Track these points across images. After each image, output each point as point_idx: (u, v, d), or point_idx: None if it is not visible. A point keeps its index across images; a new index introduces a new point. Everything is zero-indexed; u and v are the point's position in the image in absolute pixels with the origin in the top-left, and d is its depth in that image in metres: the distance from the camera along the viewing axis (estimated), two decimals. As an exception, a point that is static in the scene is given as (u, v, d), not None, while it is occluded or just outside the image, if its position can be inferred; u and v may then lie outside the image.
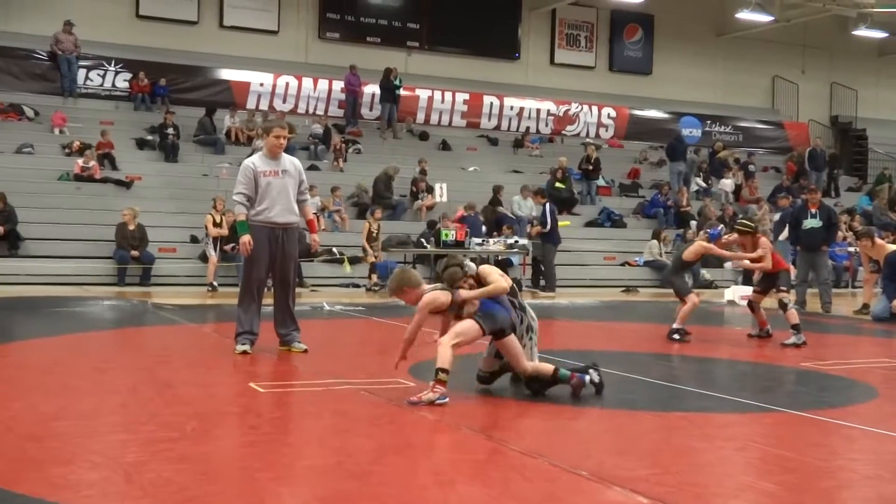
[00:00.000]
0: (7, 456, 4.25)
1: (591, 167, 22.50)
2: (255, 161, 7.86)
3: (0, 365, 7.33)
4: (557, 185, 21.59)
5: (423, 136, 24.23)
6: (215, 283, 15.20)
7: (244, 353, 7.72)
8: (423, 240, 17.40)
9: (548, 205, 17.31)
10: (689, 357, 8.83)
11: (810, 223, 14.07)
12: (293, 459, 4.41)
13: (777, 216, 17.74)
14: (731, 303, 15.35)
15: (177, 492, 3.76)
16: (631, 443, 4.97)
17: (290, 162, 7.98)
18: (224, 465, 4.28)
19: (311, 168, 20.98)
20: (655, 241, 19.64)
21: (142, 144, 20.47)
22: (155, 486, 3.82)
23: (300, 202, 8.02)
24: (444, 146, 24.00)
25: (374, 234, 16.81)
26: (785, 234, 17.13)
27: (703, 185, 24.52)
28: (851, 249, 20.12)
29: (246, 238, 7.66)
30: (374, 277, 16.28)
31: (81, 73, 21.46)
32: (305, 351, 7.87)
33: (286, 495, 3.80)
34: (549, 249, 17.14)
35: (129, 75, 21.93)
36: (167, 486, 3.84)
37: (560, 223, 17.90)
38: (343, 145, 21.85)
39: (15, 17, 21.34)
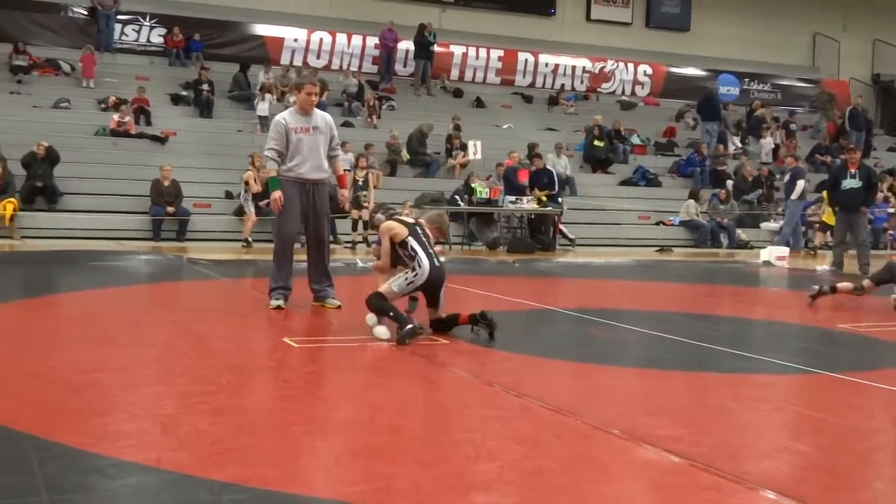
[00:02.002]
0: (48, 406, 4.32)
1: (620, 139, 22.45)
2: (287, 117, 7.83)
3: (41, 316, 7.46)
4: (596, 143, 21.46)
5: (458, 93, 24.09)
6: (250, 239, 15.29)
7: (278, 307, 7.77)
8: (456, 197, 17.34)
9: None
10: (723, 317, 8.77)
11: (849, 183, 13.85)
12: (326, 413, 4.44)
13: (787, 176, 17.55)
14: (767, 263, 15.21)
15: (211, 444, 3.81)
16: (664, 402, 4.95)
17: (322, 118, 7.95)
18: (258, 418, 4.31)
19: (345, 125, 20.93)
20: (692, 201, 19.45)
21: (176, 100, 20.54)
22: (190, 438, 3.86)
23: (331, 158, 8.01)
24: (479, 103, 23.85)
25: (361, 184, 16.30)
26: (797, 193, 17.04)
27: (740, 144, 24.21)
28: (891, 210, 19.85)
29: (277, 194, 7.66)
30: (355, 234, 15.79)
31: (117, 28, 21.53)
32: (339, 307, 7.91)
33: (319, 448, 3.83)
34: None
35: (163, 31, 21.97)
36: (202, 438, 3.88)
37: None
38: (377, 102, 21.77)
39: (51, -29, 21.41)
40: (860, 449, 4.20)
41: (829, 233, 16.74)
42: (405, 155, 19.65)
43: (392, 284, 6.52)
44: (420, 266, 6.43)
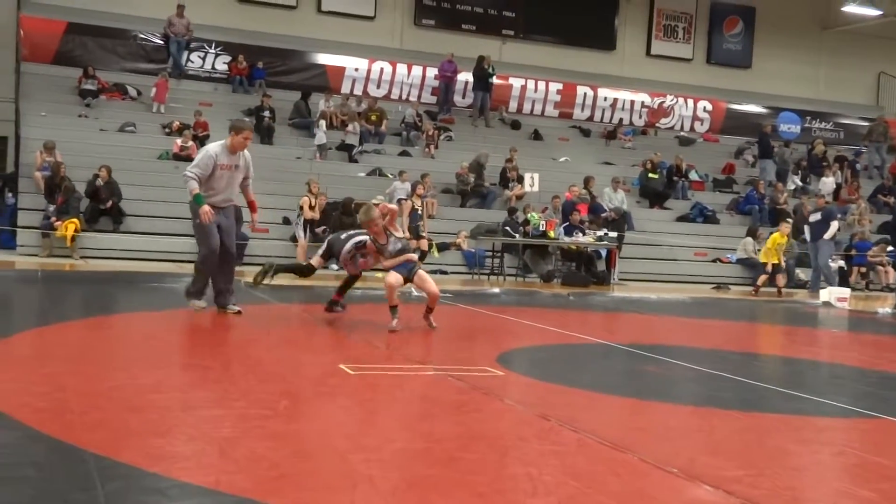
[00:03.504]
0: (110, 426, 4.39)
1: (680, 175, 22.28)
2: (218, 152, 8.70)
3: (103, 336, 7.59)
4: (651, 175, 21.35)
5: (515, 126, 24.16)
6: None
7: (203, 308, 8.88)
8: (508, 228, 17.32)
9: None
10: (782, 358, 8.63)
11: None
12: (382, 442, 4.44)
13: (818, 215, 17.33)
14: (827, 304, 14.95)
15: (269, 468, 3.83)
16: (723, 442, 4.87)
17: (243, 157, 8.93)
18: (315, 444, 4.33)
19: (403, 154, 21.14)
20: (750, 239, 19.24)
21: (239, 126, 20.82)
22: (248, 462, 3.89)
23: (244, 186, 8.99)
24: (536, 136, 23.90)
25: (419, 213, 16.32)
26: (830, 233, 16.91)
27: (800, 183, 23.89)
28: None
29: (207, 207, 8.58)
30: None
31: (183, 54, 21.99)
32: (239, 312, 8.88)
33: (376, 478, 3.83)
34: None
35: (228, 58, 22.41)
36: (260, 462, 3.91)
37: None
38: (435, 132, 21.92)
39: (122, -1, 22.01)
40: (927, 498, 4.08)
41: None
42: (471, 183, 19.65)
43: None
44: None
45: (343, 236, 8.85)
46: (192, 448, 4.10)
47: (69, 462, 3.77)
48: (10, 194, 18.10)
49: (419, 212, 16.23)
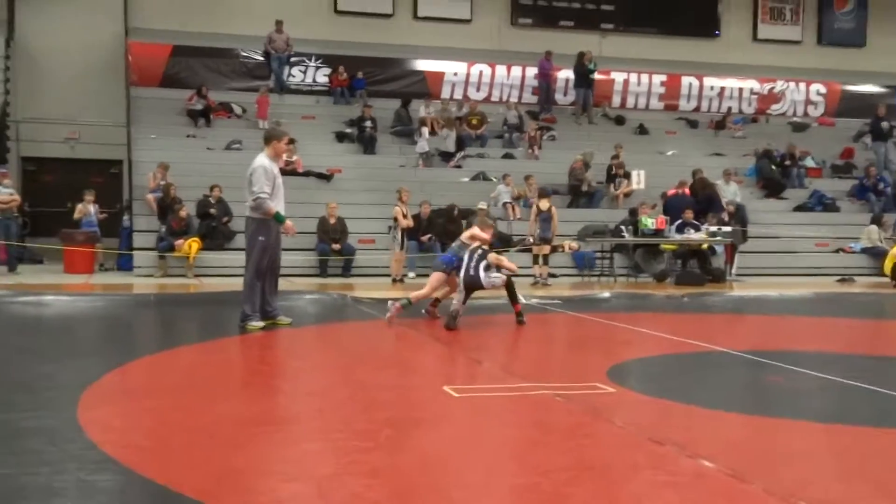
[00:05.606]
0: (211, 466, 4.25)
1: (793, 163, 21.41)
2: (269, 164, 9.07)
3: (209, 363, 7.55)
4: (774, 167, 20.66)
5: (620, 121, 23.64)
6: (408, 275, 15.43)
7: (262, 328, 8.95)
8: (622, 227, 16.88)
9: None
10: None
11: None
12: (488, 477, 4.22)
13: None
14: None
15: (369, 511, 3.66)
16: (860, 466, 4.47)
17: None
18: (416, 481, 4.14)
19: (506, 156, 20.89)
20: (875, 227, 18.32)
21: (341, 137, 20.97)
22: (346, 504, 3.73)
23: None
24: (642, 130, 23.33)
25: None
26: None
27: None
28: None
29: (291, 223, 9.21)
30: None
31: (285, 69, 22.24)
32: (290, 323, 9.25)
33: (480, 520, 3.62)
34: None
35: (328, 70, 22.57)
36: (357, 503, 3.74)
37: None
38: (538, 133, 21.59)
39: (223, 19, 22.35)
40: None
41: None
42: (588, 179, 19.16)
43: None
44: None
45: (472, 272, 9.27)
46: (289, 490, 3.96)
47: (164, 511, 3.68)
48: (125, 217, 18.62)
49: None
